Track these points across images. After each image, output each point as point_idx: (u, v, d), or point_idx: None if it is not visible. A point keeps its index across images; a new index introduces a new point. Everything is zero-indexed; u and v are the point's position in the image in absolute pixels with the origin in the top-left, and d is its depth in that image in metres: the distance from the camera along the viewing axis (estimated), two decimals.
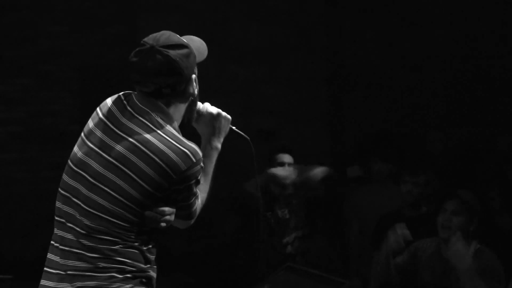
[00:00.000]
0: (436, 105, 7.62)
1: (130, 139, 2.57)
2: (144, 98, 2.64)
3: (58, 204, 2.66)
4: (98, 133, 2.62)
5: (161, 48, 2.59)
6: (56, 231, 2.66)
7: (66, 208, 2.63)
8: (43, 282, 2.65)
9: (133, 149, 2.56)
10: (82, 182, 2.60)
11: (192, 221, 2.76)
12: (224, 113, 2.92)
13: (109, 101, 2.69)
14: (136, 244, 2.58)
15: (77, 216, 2.59)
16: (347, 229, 6.30)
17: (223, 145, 2.92)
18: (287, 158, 5.66)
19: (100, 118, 2.65)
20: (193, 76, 2.68)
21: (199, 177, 2.64)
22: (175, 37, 2.65)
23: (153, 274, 2.66)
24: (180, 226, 2.77)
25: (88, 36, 7.28)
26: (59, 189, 2.66)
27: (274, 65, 7.84)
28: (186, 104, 2.70)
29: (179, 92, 2.64)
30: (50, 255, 2.65)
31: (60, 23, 7.27)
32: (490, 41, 7.39)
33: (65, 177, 2.65)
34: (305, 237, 5.56)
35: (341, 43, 8.03)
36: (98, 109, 2.69)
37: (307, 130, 7.81)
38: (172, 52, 2.59)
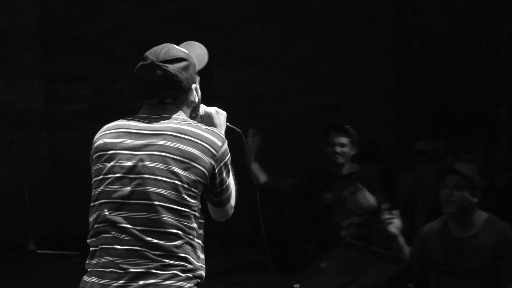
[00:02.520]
0: (508, 77, 7.45)
1: (165, 132, 2.70)
2: (152, 107, 2.79)
3: (105, 212, 2.67)
4: (123, 140, 2.72)
5: (160, 64, 2.75)
6: (103, 235, 2.66)
7: (111, 213, 2.66)
8: (89, 279, 2.64)
9: (175, 139, 2.69)
10: (143, 183, 2.66)
11: (230, 212, 2.86)
12: (220, 110, 3.04)
13: (108, 127, 2.80)
14: (191, 237, 2.67)
15: (127, 214, 2.65)
16: (411, 204, 6.29)
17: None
18: (341, 139, 5.58)
19: (115, 136, 2.74)
20: (194, 86, 2.83)
21: (230, 157, 2.77)
22: (173, 51, 2.80)
23: (204, 273, 2.73)
24: (219, 218, 2.88)
25: (151, 13, 7.30)
26: (102, 201, 2.68)
27: (338, 39, 7.77)
28: (190, 110, 2.86)
29: (181, 101, 2.80)
30: (99, 259, 2.64)
31: (122, 1, 7.29)
32: None
33: (108, 188, 2.69)
34: (362, 223, 5.51)
35: (407, 14, 7.91)
36: (99, 142, 2.75)
37: (371, 104, 7.74)
38: (171, 67, 2.75)
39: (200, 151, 2.68)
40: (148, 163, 2.67)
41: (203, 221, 2.74)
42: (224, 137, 2.76)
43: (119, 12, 7.29)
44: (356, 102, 7.72)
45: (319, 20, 7.68)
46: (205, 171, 2.68)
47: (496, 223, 4.15)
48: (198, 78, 2.88)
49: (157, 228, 2.62)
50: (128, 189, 2.66)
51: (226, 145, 2.73)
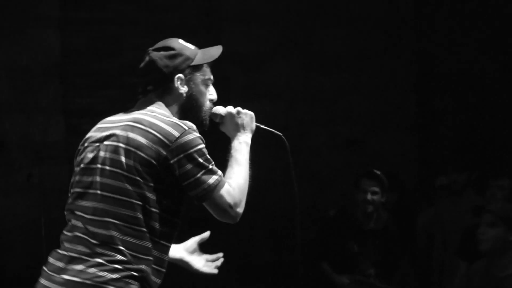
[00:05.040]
0: None
1: (126, 123, 2.75)
2: (139, 103, 2.87)
3: (69, 202, 2.79)
4: (95, 133, 2.82)
5: (149, 51, 2.87)
6: (68, 223, 2.78)
7: (73, 201, 2.76)
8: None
9: (130, 128, 2.72)
10: (92, 172, 2.73)
11: (227, 206, 2.75)
12: (244, 110, 3.01)
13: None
14: (143, 230, 2.65)
15: (85, 203, 2.72)
16: (428, 242, 6.24)
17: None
18: (373, 185, 5.48)
19: (91, 131, 2.86)
20: (179, 75, 2.83)
21: (201, 149, 2.71)
22: (169, 41, 2.90)
23: (148, 269, 2.67)
24: (220, 217, 2.79)
25: None
26: (70, 191, 2.81)
27: (360, 72, 7.72)
28: (179, 104, 2.86)
29: (165, 90, 2.83)
30: (66, 243, 2.74)
31: (144, 35, 7.31)
32: None
33: (75, 179, 2.80)
34: (382, 274, 5.47)
35: (430, 46, 7.85)
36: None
37: (394, 139, 7.67)
38: (154, 53, 2.85)
39: (148, 139, 2.67)
40: (102, 154, 2.72)
41: (168, 216, 2.70)
42: (190, 129, 2.71)
43: (141, 46, 7.28)
44: (378, 136, 7.66)
45: (341, 53, 7.66)
46: (151, 160, 2.65)
47: None
48: (207, 74, 2.90)
49: (100, 217, 2.66)
50: (87, 179, 2.73)
51: (189, 136, 2.69)
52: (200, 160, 2.70)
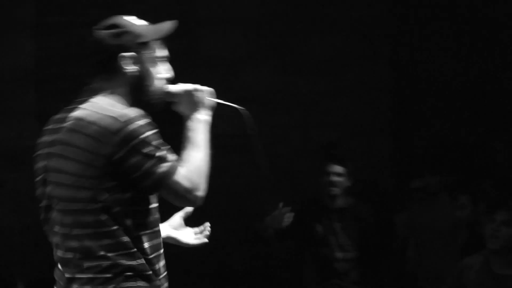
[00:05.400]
0: (506, 114, 7.41)
1: (66, 124, 2.62)
2: (85, 90, 2.71)
3: (42, 216, 2.70)
4: (44, 138, 2.72)
5: (94, 31, 2.72)
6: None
7: (45, 215, 2.68)
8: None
9: (69, 131, 2.59)
10: (48, 183, 2.63)
11: (183, 190, 2.61)
12: (201, 87, 2.86)
13: None
14: (114, 228, 2.56)
15: (55, 216, 2.63)
16: (403, 244, 6.28)
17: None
18: (337, 168, 5.55)
19: (42, 135, 2.75)
20: (124, 54, 2.67)
21: (146, 138, 2.56)
22: (114, 18, 2.75)
23: (138, 261, 2.60)
24: (178, 202, 2.68)
25: None
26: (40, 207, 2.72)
27: (336, 77, 7.73)
28: (129, 84, 2.69)
29: (110, 70, 2.67)
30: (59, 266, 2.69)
31: None
32: None
33: (38, 191, 2.71)
34: (353, 260, 5.48)
35: (407, 53, 7.88)
36: None
37: (370, 142, 7.68)
38: (98, 32, 2.70)
39: (89, 138, 2.55)
40: (50, 162, 2.62)
41: (136, 207, 2.62)
42: (131, 119, 2.56)
43: None
44: (354, 140, 7.66)
45: (317, 57, 7.66)
46: (97, 160, 2.53)
47: None
48: (159, 51, 2.77)
49: (68, 230, 2.59)
50: (44, 191, 2.65)
51: (131, 127, 2.54)
52: (146, 150, 2.55)
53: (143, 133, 2.55)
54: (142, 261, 2.58)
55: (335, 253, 5.45)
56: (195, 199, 2.63)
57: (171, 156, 2.62)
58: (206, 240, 3.14)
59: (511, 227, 4.11)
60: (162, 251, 2.72)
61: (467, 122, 7.54)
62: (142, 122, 2.57)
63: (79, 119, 2.58)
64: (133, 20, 2.77)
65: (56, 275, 2.67)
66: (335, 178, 5.50)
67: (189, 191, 2.61)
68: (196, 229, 3.15)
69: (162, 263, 2.69)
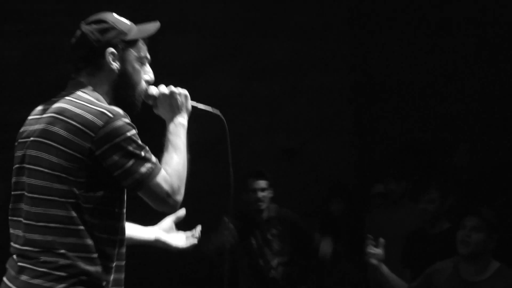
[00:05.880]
0: (463, 118, 7.49)
1: (49, 114, 2.57)
2: (69, 85, 2.67)
3: (10, 206, 2.66)
4: (24, 127, 2.67)
5: (81, 25, 2.68)
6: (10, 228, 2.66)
7: (14, 205, 2.63)
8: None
9: (52, 121, 2.54)
10: (24, 172, 2.59)
11: (170, 200, 2.59)
12: (179, 90, 2.83)
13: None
14: (80, 228, 2.51)
15: (23, 206, 2.58)
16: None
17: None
18: (261, 183, 5.69)
19: (23, 125, 2.71)
20: (110, 50, 2.65)
21: (130, 137, 2.54)
22: (101, 15, 2.70)
23: (97, 268, 2.54)
24: (157, 206, 2.63)
25: None
26: (12, 193, 2.67)
27: (297, 81, 7.77)
28: (111, 81, 2.67)
29: (95, 66, 2.65)
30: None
31: None
32: None
33: (12, 180, 2.67)
34: (289, 263, 5.63)
35: (365, 56, 7.94)
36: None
37: (332, 147, 7.72)
38: (86, 27, 2.66)
39: (70, 132, 2.50)
40: (28, 151, 2.57)
41: (108, 208, 2.57)
42: (115, 116, 2.52)
43: None
44: (316, 145, 7.70)
45: (278, 62, 7.69)
46: (76, 154, 2.49)
47: (508, 272, 4.11)
48: (143, 51, 2.75)
49: (34, 221, 2.53)
50: (18, 180, 2.60)
51: (115, 124, 2.51)
52: (130, 148, 2.52)
53: (127, 131, 2.53)
54: (100, 268, 2.55)
55: (270, 262, 5.59)
56: (174, 203, 2.62)
57: (153, 158, 2.60)
58: (196, 240, 3.13)
59: (481, 233, 4.13)
60: (124, 263, 2.67)
61: (426, 123, 7.62)
62: (127, 120, 2.56)
63: (63, 110, 2.55)
64: (120, 18, 2.74)
65: (9, 264, 2.61)
66: (261, 194, 5.64)
67: (169, 195, 2.59)
68: (188, 233, 3.14)
69: (120, 276, 2.66)
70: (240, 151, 7.51)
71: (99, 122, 2.50)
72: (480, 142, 7.12)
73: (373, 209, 6.51)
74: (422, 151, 7.18)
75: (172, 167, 2.63)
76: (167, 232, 3.11)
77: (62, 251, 2.50)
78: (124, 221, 2.67)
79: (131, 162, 2.52)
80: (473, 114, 7.46)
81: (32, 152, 2.56)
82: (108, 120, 2.51)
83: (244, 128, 7.59)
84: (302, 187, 7.41)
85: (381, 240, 4.46)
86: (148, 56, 2.81)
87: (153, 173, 2.56)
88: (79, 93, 2.60)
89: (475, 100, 7.44)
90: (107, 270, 2.57)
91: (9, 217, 2.65)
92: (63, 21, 7.16)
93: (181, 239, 3.13)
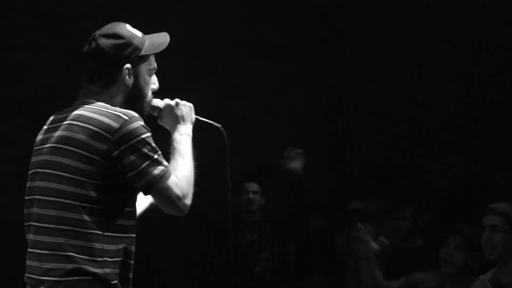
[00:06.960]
0: (437, 137, 7.56)
1: (66, 122, 2.65)
2: (82, 94, 2.76)
3: (24, 211, 2.70)
4: (40, 136, 2.73)
5: (97, 36, 2.73)
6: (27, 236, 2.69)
7: (27, 210, 2.68)
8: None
9: (69, 127, 2.62)
10: (37, 177, 2.65)
11: (175, 197, 2.66)
12: (183, 102, 2.97)
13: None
14: (90, 231, 2.55)
15: (34, 210, 2.63)
16: (343, 266, 6.33)
17: None
18: (253, 186, 5.85)
19: (39, 134, 2.78)
20: (127, 65, 2.72)
21: (145, 139, 2.61)
22: (117, 27, 2.76)
23: (106, 270, 2.58)
24: (168, 210, 2.70)
25: None
26: (25, 198, 2.72)
27: (271, 99, 7.80)
28: (124, 94, 2.75)
29: (110, 79, 2.72)
30: (27, 262, 2.66)
31: (57, 61, 7.24)
32: (492, 73, 7.30)
33: (26, 185, 2.73)
34: (273, 257, 5.77)
35: (339, 76, 8.00)
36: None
37: (307, 165, 7.75)
38: (103, 40, 2.71)
39: (87, 136, 2.57)
40: (44, 157, 2.63)
41: (121, 208, 2.63)
42: (132, 118, 2.60)
43: (53, 73, 7.22)
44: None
45: (253, 80, 7.73)
46: (94, 157, 2.55)
47: None
48: (152, 63, 2.82)
49: (46, 223, 2.58)
50: (32, 184, 2.66)
51: (131, 126, 2.59)
52: (144, 150, 2.60)
53: (143, 133, 2.62)
54: (109, 270, 2.58)
55: (256, 259, 5.68)
56: (183, 207, 2.69)
57: (165, 162, 2.68)
58: None
59: (464, 252, 4.16)
60: (132, 262, 2.70)
61: (400, 145, 7.67)
62: (142, 122, 2.65)
63: (79, 116, 2.63)
64: (133, 31, 2.81)
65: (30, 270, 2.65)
66: (252, 196, 5.78)
67: (179, 198, 2.67)
68: None
69: (129, 274, 2.69)
70: (215, 169, 7.59)
71: (115, 124, 2.58)
72: (454, 160, 7.18)
73: (349, 226, 6.50)
74: (397, 170, 7.22)
75: (181, 173, 2.72)
76: None
77: (71, 253, 2.54)
78: (135, 219, 2.72)
79: (145, 164, 2.60)
80: (447, 132, 7.53)
81: (47, 157, 2.62)
82: (124, 123, 2.59)
83: (218, 146, 7.60)
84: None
85: (382, 238, 4.47)
86: (156, 66, 2.90)
87: (165, 175, 2.63)
88: (92, 100, 2.69)
89: (450, 117, 7.51)
90: (115, 270, 2.62)
91: (25, 223, 2.70)
92: (39, 36, 7.17)
93: None
